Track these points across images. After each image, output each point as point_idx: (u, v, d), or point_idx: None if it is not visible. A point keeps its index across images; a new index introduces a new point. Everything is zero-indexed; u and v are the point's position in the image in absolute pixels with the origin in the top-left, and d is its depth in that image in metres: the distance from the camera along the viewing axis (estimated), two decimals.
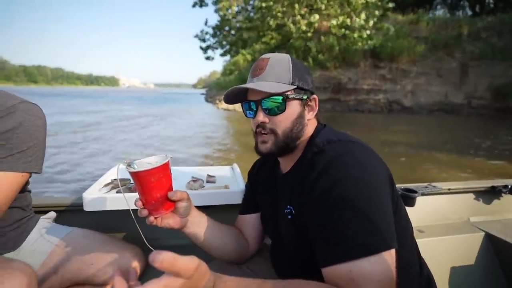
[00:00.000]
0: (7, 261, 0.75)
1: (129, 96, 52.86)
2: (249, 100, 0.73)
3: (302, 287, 0.53)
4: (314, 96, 0.76)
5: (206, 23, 28.94)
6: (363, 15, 21.39)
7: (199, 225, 0.78)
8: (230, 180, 1.27)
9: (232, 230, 0.89)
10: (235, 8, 25.15)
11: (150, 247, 0.71)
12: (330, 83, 23.62)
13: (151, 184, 0.61)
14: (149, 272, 1.09)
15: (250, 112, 0.75)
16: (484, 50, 23.43)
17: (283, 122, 0.70)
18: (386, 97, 24.18)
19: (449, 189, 1.38)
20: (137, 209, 0.66)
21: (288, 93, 0.70)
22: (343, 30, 21.31)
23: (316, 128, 0.76)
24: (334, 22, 21.08)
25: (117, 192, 1.05)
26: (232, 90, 0.72)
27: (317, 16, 21.55)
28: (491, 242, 1.26)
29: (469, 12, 31.35)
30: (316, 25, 21.75)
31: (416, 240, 0.78)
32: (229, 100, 0.76)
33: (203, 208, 0.95)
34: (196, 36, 29.33)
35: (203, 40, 29.34)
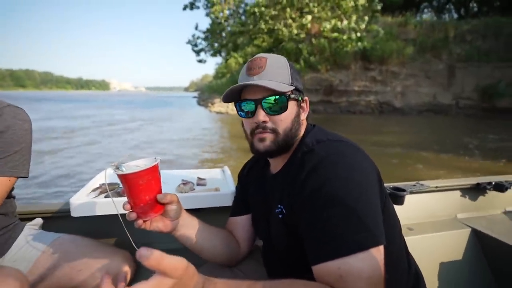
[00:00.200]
0: None
1: (120, 100, 51.87)
2: (247, 99, 0.71)
3: (292, 286, 0.53)
4: (306, 97, 0.78)
5: (196, 28, 28.93)
6: (354, 18, 21.75)
7: (189, 228, 0.77)
8: (220, 183, 1.26)
9: (223, 232, 0.89)
10: (227, 12, 25.21)
11: (135, 247, 0.70)
12: (321, 85, 23.90)
13: (139, 187, 0.61)
14: (139, 276, 1.07)
15: (242, 112, 0.74)
16: (470, 52, 24.17)
17: (284, 121, 0.70)
18: (377, 98, 24.59)
19: (436, 187, 1.41)
20: (126, 214, 0.65)
21: (289, 93, 0.71)
22: (335, 33, 21.60)
23: (306, 128, 0.77)
24: (328, 26, 21.33)
25: (105, 197, 1.03)
26: (234, 88, 0.71)
27: (309, 17, 21.78)
28: (477, 238, 1.29)
29: (455, 15, 32.28)
30: (308, 25, 21.97)
31: (405, 238, 0.79)
32: (227, 98, 0.75)
33: (193, 211, 0.94)
34: (188, 42, 29.28)
35: (195, 45, 29.31)
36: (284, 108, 0.70)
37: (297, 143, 0.74)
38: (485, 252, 1.27)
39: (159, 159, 0.65)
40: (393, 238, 0.70)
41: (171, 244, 1.18)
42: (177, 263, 0.44)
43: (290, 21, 22.50)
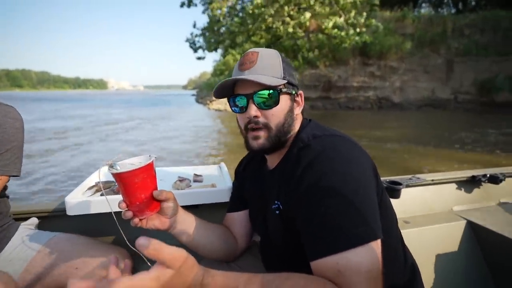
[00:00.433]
0: None
1: (118, 99, 51.26)
2: (239, 94, 0.71)
3: (290, 279, 0.53)
4: (301, 91, 0.77)
5: (194, 26, 28.83)
6: (352, 13, 21.66)
7: (186, 225, 0.77)
8: (217, 179, 1.26)
9: (220, 228, 0.89)
10: (225, 9, 25.07)
11: (135, 249, 0.70)
12: (320, 81, 23.86)
13: (135, 185, 0.60)
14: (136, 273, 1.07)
15: (236, 108, 0.73)
16: (468, 46, 24.16)
17: (276, 116, 0.70)
18: (375, 94, 24.59)
19: (432, 180, 1.42)
20: (121, 212, 0.64)
21: (281, 87, 0.70)
22: (335, 30, 21.53)
23: (302, 124, 0.76)
24: (330, 24, 21.21)
25: (101, 195, 1.03)
26: (225, 83, 0.70)
27: (307, 15, 21.69)
28: (472, 229, 1.31)
29: (453, 10, 32.19)
30: (307, 24, 21.88)
31: (402, 231, 0.79)
32: (219, 94, 0.74)
33: (190, 208, 0.94)
34: (187, 40, 29.20)
35: (194, 43, 29.23)
36: (276, 102, 0.69)
37: (293, 138, 0.73)
38: (480, 243, 1.28)
39: (154, 156, 0.64)
40: (389, 231, 0.69)
41: (168, 241, 1.17)
42: (176, 253, 0.43)
43: (288, 19, 22.41)
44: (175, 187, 1.12)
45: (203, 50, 29.84)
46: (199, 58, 31.29)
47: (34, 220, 1.06)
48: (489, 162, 6.54)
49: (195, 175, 1.25)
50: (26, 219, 1.05)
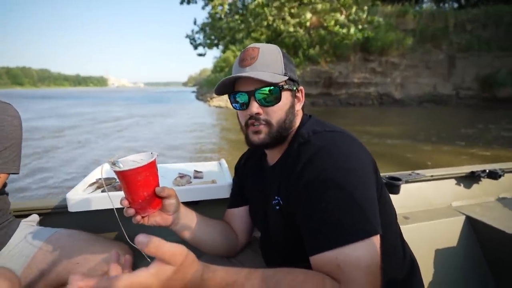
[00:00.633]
0: None
1: (118, 96, 50.90)
2: (240, 91, 0.70)
3: (289, 274, 0.53)
4: (301, 87, 0.76)
5: (195, 22, 28.65)
6: (353, 9, 21.47)
7: (187, 221, 0.77)
8: (217, 175, 1.26)
9: (221, 224, 0.89)
10: (226, 6, 24.88)
11: (135, 246, 0.71)
12: (321, 77, 23.76)
13: (137, 183, 0.59)
14: (137, 269, 1.08)
15: (237, 104, 0.73)
16: (470, 41, 23.96)
17: (278, 112, 0.69)
18: (376, 90, 24.48)
19: (431, 176, 1.42)
20: (122, 208, 0.65)
21: (282, 83, 0.69)
22: (337, 27, 21.36)
23: (302, 119, 0.76)
24: (332, 22, 21.02)
25: (102, 192, 1.03)
26: (226, 80, 0.69)
27: (308, 16, 21.53)
28: (471, 225, 1.31)
29: (455, 5, 31.85)
30: (307, 24, 21.73)
31: (401, 226, 0.79)
32: (219, 91, 0.73)
33: (191, 204, 0.95)
34: (187, 36, 29.06)
35: (194, 40, 29.09)
36: (277, 99, 0.69)
37: (293, 134, 0.73)
38: (479, 238, 1.29)
39: (156, 154, 0.63)
40: (389, 227, 0.70)
41: (169, 237, 1.17)
42: (176, 250, 0.43)
43: (288, 18, 22.25)
44: (175, 184, 1.12)
45: (204, 47, 29.72)
46: (199, 55, 31.20)
47: (35, 217, 1.07)
48: (490, 158, 6.54)
49: (196, 171, 1.26)
50: (26, 215, 1.05)
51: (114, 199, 0.99)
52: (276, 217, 0.71)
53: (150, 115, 16.59)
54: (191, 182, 1.15)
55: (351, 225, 0.54)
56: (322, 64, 23.64)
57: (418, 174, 1.40)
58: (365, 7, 21.36)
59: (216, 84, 0.71)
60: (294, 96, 0.74)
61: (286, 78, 0.70)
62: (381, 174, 0.72)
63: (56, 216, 1.12)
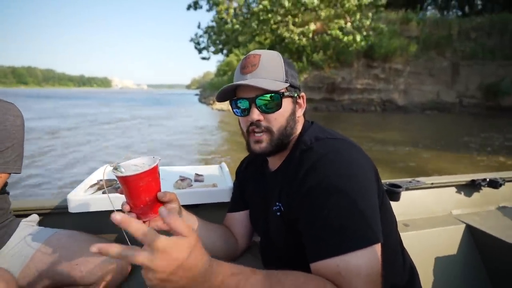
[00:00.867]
0: None
1: (121, 98, 50.99)
2: (241, 98, 0.70)
3: (291, 275, 0.53)
4: (302, 93, 0.76)
5: (199, 26, 28.95)
6: (357, 16, 21.56)
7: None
8: (218, 179, 1.26)
9: (221, 228, 0.89)
10: (232, 11, 25.10)
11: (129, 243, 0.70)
12: (324, 83, 23.81)
13: (139, 188, 0.59)
14: (136, 271, 1.07)
15: (238, 110, 0.72)
16: (474, 49, 23.96)
17: (278, 119, 0.69)
18: (379, 96, 24.48)
19: (432, 184, 1.42)
20: (124, 212, 0.64)
21: (283, 90, 0.69)
22: (341, 34, 21.45)
23: (304, 126, 0.76)
24: (335, 30, 21.08)
25: (103, 193, 1.03)
26: (227, 88, 0.70)
27: (312, 27, 21.67)
28: (471, 233, 1.30)
29: (459, 13, 31.92)
30: (310, 35, 21.87)
31: (401, 234, 0.79)
32: (220, 98, 0.74)
33: (191, 207, 0.94)
34: (191, 40, 29.34)
35: (198, 43, 29.36)
36: (278, 106, 0.69)
37: (295, 140, 0.73)
38: (479, 247, 1.28)
39: (159, 158, 0.63)
40: (389, 234, 0.70)
41: None
42: (189, 226, 0.48)
43: (292, 26, 22.42)
44: (176, 187, 1.12)
45: (207, 51, 29.95)
46: (203, 58, 31.43)
47: (35, 217, 1.07)
48: (492, 167, 6.48)
49: (196, 174, 1.26)
50: (27, 215, 1.05)
51: (114, 201, 0.99)
52: (277, 223, 0.71)
53: (152, 117, 16.54)
54: (191, 185, 1.15)
55: (352, 233, 0.54)
56: (325, 70, 23.70)
57: (418, 181, 1.39)
58: (370, 14, 21.43)
59: (219, 89, 0.71)
60: (295, 103, 0.74)
61: (287, 85, 0.70)
62: (382, 181, 0.72)
63: (56, 217, 1.12)
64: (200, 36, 29.10)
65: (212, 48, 29.56)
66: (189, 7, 27.83)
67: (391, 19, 25.83)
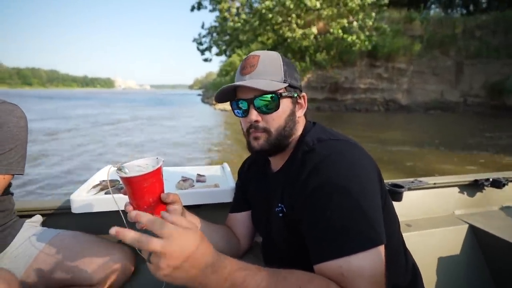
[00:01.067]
0: None
1: (124, 98, 51.00)
2: (240, 99, 0.71)
3: (296, 273, 0.54)
4: (303, 93, 0.76)
5: (202, 26, 28.97)
6: (360, 16, 21.45)
7: None
8: (220, 179, 1.26)
9: (223, 229, 0.89)
10: (234, 10, 25.09)
11: (139, 250, 0.71)
12: (327, 82, 23.74)
13: (143, 189, 0.59)
14: (139, 272, 1.07)
15: (239, 111, 0.73)
16: (479, 48, 23.73)
17: (276, 120, 0.69)
18: (383, 96, 24.36)
19: (434, 184, 1.41)
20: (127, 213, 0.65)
21: (281, 91, 0.69)
22: (341, 33, 21.33)
23: (305, 127, 0.75)
24: (337, 29, 20.96)
25: (106, 193, 1.04)
26: (225, 89, 0.70)
27: (314, 29, 21.60)
28: (474, 234, 1.29)
29: (464, 11, 31.60)
30: (311, 37, 21.80)
31: (404, 234, 0.79)
32: (220, 99, 0.74)
33: (193, 207, 0.94)
34: (194, 40, 29.36)
35: (200, 43, 29.36)
36: (276, 107, 0.68)
37: (296, 141, 0.73)
38: (482, 247, 1.27)
39: (162, 160, 0.63)
40: (392, 235, 0.69)
41: None
42: (193, 223, 0.52)
43: (294, 25, 22.36)
44: (178, 187, 1.12)
45: (210, 52, 29.95)
46: (205, 60, 31.36)
47: (38, 218, 1.07)
48: (497, 167, 6.41)
49: (198, 175, 1.26)
50: (30, 216, 1.06)
51: (118, 201, 0.99)
52: (279, 224, 0.71)
53: (154, 118, 16.49)
54: (193, 186, 1.15)
55: (356, 234, 0.54)
56: (328, 69, 23.62)
57: (420, 181, 1.38)
58: (373, 14, 21.28)
59: (218, 90, 0.71)
60: (295, 103, 0.73)
61: (286, 85, 0.69)
62: (384, 181, 0.72)
63: (59, 217, 1.13)
64: (203, 36, 29.13)
65: (214, 49, 29.56)
66: (192, 8, 27.89)
67: (394, 19, 25.67)
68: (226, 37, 27.79)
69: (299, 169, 0.64)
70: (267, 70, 0.69)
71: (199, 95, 64.58)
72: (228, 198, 1.06)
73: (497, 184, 1.43)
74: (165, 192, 0.65)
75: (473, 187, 1.48)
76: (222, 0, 24.70)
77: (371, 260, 0.52)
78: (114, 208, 0.98)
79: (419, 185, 1.36)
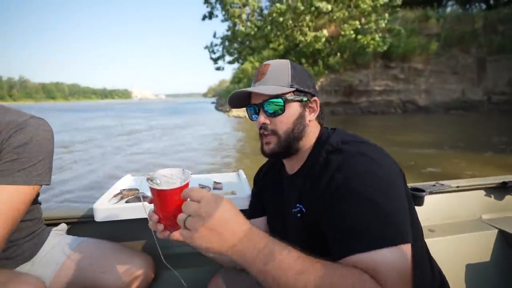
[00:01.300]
0: (19, 275, 0.77)
1: (140, 108, 52.10)
2: (252, 104, 0.77)
3: (334, 263, 0.53)
4: (315, 98, 0.77)
5: (214, 35, 29.48)
6: (373, 17, 21.08)
7: None
8: (236, 186, 1.27)
9: None
10: (244, 16, 25.41)
11: (162, 258, 0.74)
12: (340, 86, 23.40)
13: (174, 202, 0.60)
14: (159, 279, 1.09)
15: (255, 116, 0.78)
16: (502, 43, 22.59)
17: (284, 122, 0.73)
18: (399, 97, 23.67)
19: (457, 187, 1.35)
20: (151, 222, 0.66)
21: (287, 95, 0.73)
22: (353, 35, 21.01)
23: (321, 131, 0.77)
24: (349, 30, 20.71)
25: (126, 202, 1.07)
26: (235, 94, 0.76)
27: (325, 32, 21.46)
28: (505, 239, 1.22)
29: (483, 6, 30.29)
30: (322, 39, 21.63)
31: (427, 240, 0.76)
32: (234, 104, 0.80)
33: None
34: (206, 47, 29.90)
35: (213, 52, 29.85)
36: (281, 110, 0.73)
37: (312, 144, 0.75)
38: None
39: (191, 173, 0.65)
40: (416, 240, 0.67)
41: (189, 247, 1.20)
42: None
43: (306, 29, 22.34)
44: None
45: (223, 61, 30.30)
46: (217, 69, 31.73)
47: (63, 226, 1.12)
48: None
49: (215, 182, 1.27)
50: (56, 224, 1.11)
51: (140, 210, 1.02)
52: (297, 225, 0.72)
53: (170, 127, 16.63)
54: None
55: (384, 229, 0.54)
56: (341, 72, 23.31)
57: (442, 185, 1.33)
58: (386, 15, 20.84)
59: (229, 96, 0.77)
60: (305, 107, 0.75)
61: (292, 89, 0.73)
62: None
63: (83, 225, 1.17)
64: (215, 45, 29.61)
65: (227, 58, 29.90)
66: (204, 18, 28.49)
67: (408, 18, 25.05)
68: (237, 45, 28.09)
69: (322, 168, 0.66)
70: (275, 76, 0.74)
71: (212, 102, 65.57)
72: (245, 205, 1.07)
73: None
74: None
75: (501, 190, 1.40)
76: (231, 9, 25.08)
77: (400, 256, 0.51)
78: (134, 216, 1.01)
79: (441, 188, 1.30)
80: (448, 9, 28.00)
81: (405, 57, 23.41)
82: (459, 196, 1.37)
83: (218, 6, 26.69)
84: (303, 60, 23.15)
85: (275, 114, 0.73)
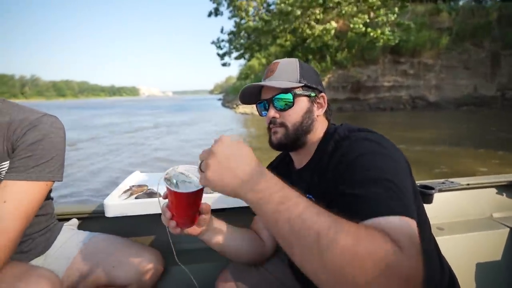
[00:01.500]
0: (33, 268, 0.79)
1: (147, 105, 52.74)
2: (262, 100, 0.80)
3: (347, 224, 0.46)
4: (323, 94, 0.80)
5: (222, 31, 29.41)
6: (382, 11, 20.61)
7: (215, 232, 0.79)
8: None
9: (248, 232, 0.90)
10: (251, 10, 25.21)
11: (174, 253, 0.77)
12: (348, 82, 23.10)
13: (190, 203, 0.62)
14: (168, 273, 1.11)
15: (265, 112, 0.80)
16: None
17: (292, 116, 0.75)
18: (408, 93, 23.23)
19: (468, 185, 1.33)
20: (159, 213, 0.69)
21: (296, 90, 0.75)
22: (363, 28, 20.57)
23: (329, 126, 0.79)
24: (359, 25, 20.26)
25: (136, 198, 1.09)
26: (247, 89, 0.79)
27: (333, 24, 21.11)
28: None
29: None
30: (332, 32, 21.27)
31: (436, 238, 0.76)
32: (245, 100, 0.83)
33: (218, 211, 0.96)
34: (213, 42, 29.87)
35: (220, 47, 29.79)
36: (291, 104, 0.75)
37: (321, 139, 0.76)
38: None
39: None
40: (423, 236, 0.65)
41: (198, 243, 1.21)
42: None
43: (313, 22, 22.02)
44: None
45: (229, 57, 30.24)
46: (224, 65, 31.71)
47: (75, 221, 1.15)
48: None
49: None
50: (67, 219, 1.14)
51: (149, 206, 1.03)
52: None
53: (176, 124, 16.63)
54: None
55: (393, 201, 0.50)
56: (349, 68, 22.99)
57: (452, 182, 1.31)
58: (396, 8, 20.33)
59: (241, 89, 0.79)
60: (313, 102, 0.78)
61: (301, 85, 0.75)
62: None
63: (94, 221, 1.20)
64: (222, 41, 29.54)
65: (234, 54, 29.81)
66: (210, 14, 28.46)
67: (418, 12, 24.43)
68: (243, 41, 27.93)
69: (331, 155, 0.67)
70: (284, 73, 0.77)
71: (219, 99, 65.70)
72: None
73: None
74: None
75: None
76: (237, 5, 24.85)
77: (409, 225, 0.47)
78: (144, 212, 1.03)
79: (451, 186, 1.28)
80: (461, 2, 27.12)
81: (415, 51, 22.91)
82: (469, 194, 1.35)
83: (224, 2, 26.59)
84: (310, 56, 22.89)
85: (284, 108, 0.75)
